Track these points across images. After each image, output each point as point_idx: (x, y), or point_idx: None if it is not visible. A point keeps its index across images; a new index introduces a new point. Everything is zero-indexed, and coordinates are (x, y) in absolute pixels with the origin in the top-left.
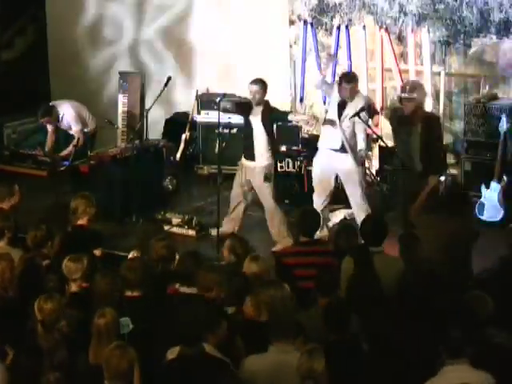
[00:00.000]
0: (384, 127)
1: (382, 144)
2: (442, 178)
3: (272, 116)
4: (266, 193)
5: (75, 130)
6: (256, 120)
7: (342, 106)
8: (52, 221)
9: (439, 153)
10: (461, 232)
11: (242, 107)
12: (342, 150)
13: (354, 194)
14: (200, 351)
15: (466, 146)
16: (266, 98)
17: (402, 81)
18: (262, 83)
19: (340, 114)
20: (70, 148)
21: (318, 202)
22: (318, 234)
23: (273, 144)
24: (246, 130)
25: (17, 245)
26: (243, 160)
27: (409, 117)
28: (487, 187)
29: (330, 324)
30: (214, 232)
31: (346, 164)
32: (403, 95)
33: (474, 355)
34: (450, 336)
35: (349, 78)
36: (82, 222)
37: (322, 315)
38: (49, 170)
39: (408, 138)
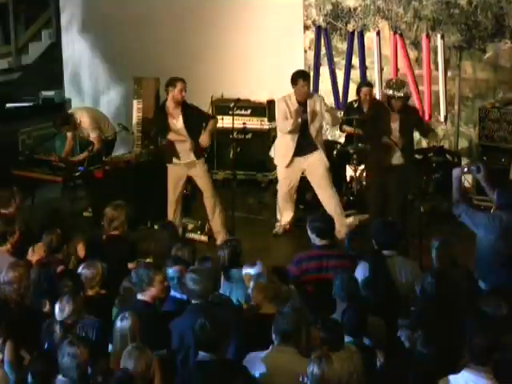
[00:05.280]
0: None
1: None
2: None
3: None
4: None
5: (93, 136)
6: None
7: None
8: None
9: None
10: None
11: None
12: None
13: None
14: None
15: (480, 150)
16: None
17: (417, 86)
18: None
19: None
20: (85, 154)
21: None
22: None
23: None
24: None
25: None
26: None
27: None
28: None
29: (348, 327)
30: None
31: None
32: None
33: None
34: (473, 343)
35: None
36: (117, 232)
37: (341, 318)
38: (64, 175)
39: None
